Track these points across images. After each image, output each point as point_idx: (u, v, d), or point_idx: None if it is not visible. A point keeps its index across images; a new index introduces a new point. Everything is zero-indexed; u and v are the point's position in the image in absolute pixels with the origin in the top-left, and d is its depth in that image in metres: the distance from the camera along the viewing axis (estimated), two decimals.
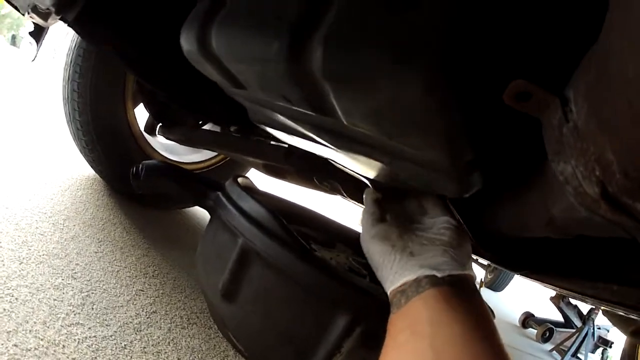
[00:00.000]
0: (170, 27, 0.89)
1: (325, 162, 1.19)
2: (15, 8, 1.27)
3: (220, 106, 1.40)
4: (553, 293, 4.95)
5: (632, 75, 0.33)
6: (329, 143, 0.83)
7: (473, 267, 0.88)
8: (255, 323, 1.10)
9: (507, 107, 0.50)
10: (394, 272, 0.83)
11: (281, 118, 0.90)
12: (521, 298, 6.86)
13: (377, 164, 0.83)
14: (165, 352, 1.30)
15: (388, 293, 0.85)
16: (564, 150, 0.46)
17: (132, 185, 1.45)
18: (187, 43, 0.83)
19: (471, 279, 0.82)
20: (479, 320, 0.75)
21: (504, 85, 0.49)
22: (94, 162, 2.13)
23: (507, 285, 6.39)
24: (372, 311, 0.91)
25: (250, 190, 1.39)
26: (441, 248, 0.83)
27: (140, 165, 1.45)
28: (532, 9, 0.53)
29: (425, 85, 0.51)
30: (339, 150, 0.86)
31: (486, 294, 5.68)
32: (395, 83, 0.54)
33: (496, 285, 6.27)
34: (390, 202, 1.01)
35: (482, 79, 0.52)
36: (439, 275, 0.78)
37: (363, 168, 0.95)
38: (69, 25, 1.15)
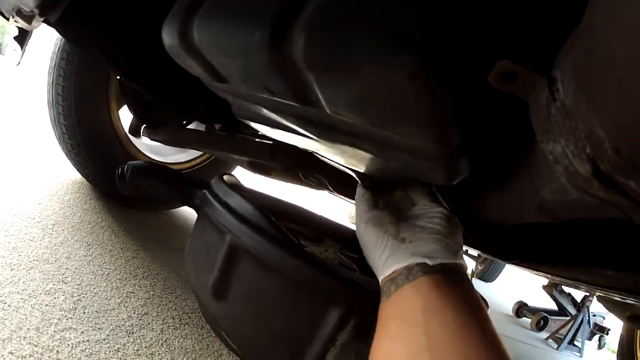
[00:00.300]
0: (154, 26, 0.89)
1: (311, 157, 1.19)
2: (0, 13, 1.27)
3: (204, 104, 1.39)
4: (545, 282, 4.97)
5: (621, 54, 0.33)
6: (313, 135, 0.83)
7: (464, 258, 0.88)
8: (248, 320, 1.10)
9: (493, 90, 0.49)
10: (385, 259, 0.83)
11: (265, 111, 0.89)
12: (513, 288, 6.90)
13: (364, 155, 0.82)
14: (159, 354, 1.30)
15: (379, 281, 0.84)
16: (552, 130, 0.46)
17: (117, 186, 1.45)
18: (168, 37, 0.82)
19: (462, 268, 0.82)
20: (472, 307, 0.75)
21: (490, 67, 0.48)
22: (80, 166, 2.13)
23: (498, 275, 6.41)
24: (365, 304, 0.90)
25: (237, 188, 1.38)
26: (433, 236, 0.82)
27: (126, 166, 1.44)
28: None
29: (410, 70, 0.51)
30: (323, 142, 0.85)
31: (477, 285, 5.70)
32: (379, 69, 0.53)
33: (487, 275, 6.29)
34: (381, 193, 1.00)
35: (468, 62, 0.52)
36: (430, 263, 0.78)
37: (349, 160, 0.95)
38: (52, 26, 1.15)
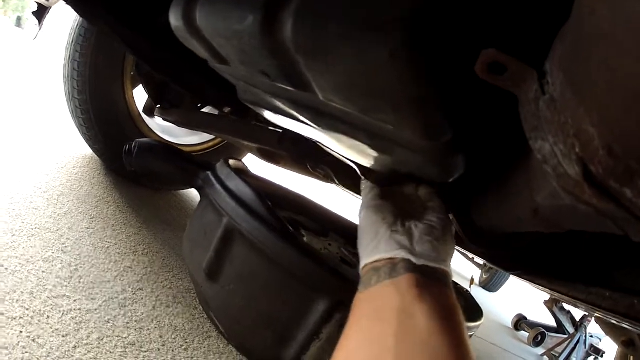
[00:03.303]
0: (165, 7, 0.89)
1: (317, 148, 1.19)
2: None
3: (214, 87, 1.40)
4: (547, 297, 4.93)
5: (608, 31, 0.31)
6: (311, 122, 0.83)
7: (469, 265, 0.87)
8: (236, 303, 1.11)
9: (487, 82, 0.47)
10: (374, 245, 0.82)
11: (265, 96, 0.90)
12: (515, 300, 6.84)
13: (362, 147, 0.82)
14: (148, 329, 1.30)
15: (362, 266, 0.84)
16: (541, 126, 0.43)
17: (124, 161, 1.46)
18: (174, 19, 0.83)
19: (447, 275, 0.81)
20: (448, 315, 0.74)
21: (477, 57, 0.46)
22: (91, 141, 2.15)
23: (502, 286, 6.34)
24: (353, 298, 0.90)
25: (242, 173, 1.39)
26: (425, 237, 0.81)
27: (134, 143, 1.46)
28: None
29: (391, 49, 0.50)
30: (323, 130, 0.85)
31: (480, 294, 5.68)
32: (361, 49, 0.53)
33: (491, 285, 6.23)
34: (387, 187, 1.00)
35: (455, 48, 0.51)
36: (415, 261, 0.77)
37: (350, 152, 0.95)
38: (67, 3, 1.16)
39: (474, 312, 1.40)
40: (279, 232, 1.04)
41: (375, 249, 0.82)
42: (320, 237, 1.56)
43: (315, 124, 0.84)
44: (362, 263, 0.84)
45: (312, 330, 1.02)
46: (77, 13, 1.24)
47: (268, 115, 1.05)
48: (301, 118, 0.86)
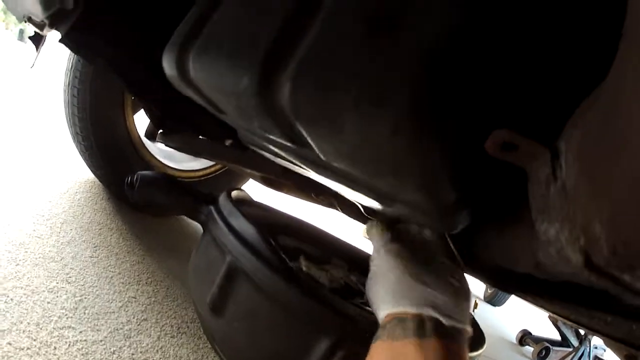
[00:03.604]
0: (162, 44, 0.89)
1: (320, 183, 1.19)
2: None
3: (214, 124, 1.40)
4: None
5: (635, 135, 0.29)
6: (314, 172, 0.83)
7: (473, 279, 0.87)
8: (240, 339, 1.10)
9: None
10: (399, 294, 0.81)
11: (266, 144, 0.89)
12: (520, 314, 6.81)
13: (367, 198, 0.82)
14: None
15: (383, 313, 0.83)
16: (548, 211, 0.43)
17: (126, 194, 1.47)
18: (168, 67, 0.83)
19: (467, 334, 0.81)
20: None
21: (488, 128, 0.46)
22: (93, 166, 2.14)
23: (506, 300, 6.32)
24: (355, 336, 0.89)
25: (245, 204, 1.39)
26: (452, 294, 0.81)
27: (135, 176, 1.46)
28: (525, 49, 0.49)
29: (394, 127, 0.49)
30: (325, 179, 0.85)
31: (485, 309, 5.66)
32: (363, 124, 0.52)
33: (496, 300, 6.19)
34: (395, 225, 0.99)
35: (461, 121, 0.50)
36: (445, 322, 0.77)
37: (355, 197, 0.94)
38: (60, 40, 1.16)
39: (477, 339, 1.39)
40: (282, 272, 1.04)
41: (400, 298, 0.81)
42: (323, 265, 1.56)
43: (317, 174, 0.83)
44: (384, 311, 0.83)
45: None
46: (71, 49, 1.23)
47: (269, 156, 1.05)
48: (302, 166, 0.85)
